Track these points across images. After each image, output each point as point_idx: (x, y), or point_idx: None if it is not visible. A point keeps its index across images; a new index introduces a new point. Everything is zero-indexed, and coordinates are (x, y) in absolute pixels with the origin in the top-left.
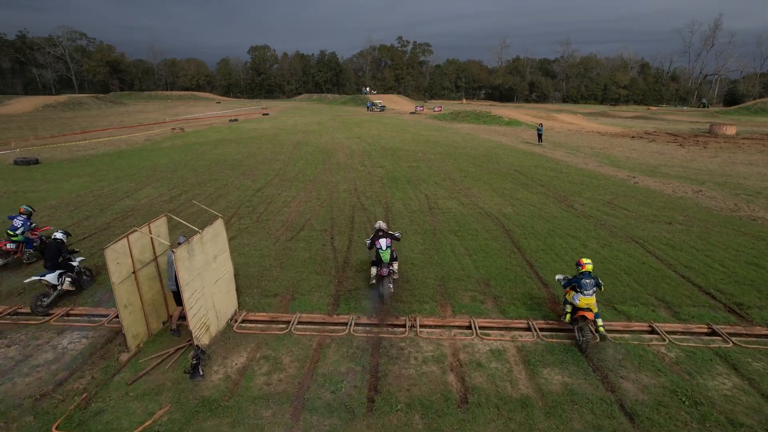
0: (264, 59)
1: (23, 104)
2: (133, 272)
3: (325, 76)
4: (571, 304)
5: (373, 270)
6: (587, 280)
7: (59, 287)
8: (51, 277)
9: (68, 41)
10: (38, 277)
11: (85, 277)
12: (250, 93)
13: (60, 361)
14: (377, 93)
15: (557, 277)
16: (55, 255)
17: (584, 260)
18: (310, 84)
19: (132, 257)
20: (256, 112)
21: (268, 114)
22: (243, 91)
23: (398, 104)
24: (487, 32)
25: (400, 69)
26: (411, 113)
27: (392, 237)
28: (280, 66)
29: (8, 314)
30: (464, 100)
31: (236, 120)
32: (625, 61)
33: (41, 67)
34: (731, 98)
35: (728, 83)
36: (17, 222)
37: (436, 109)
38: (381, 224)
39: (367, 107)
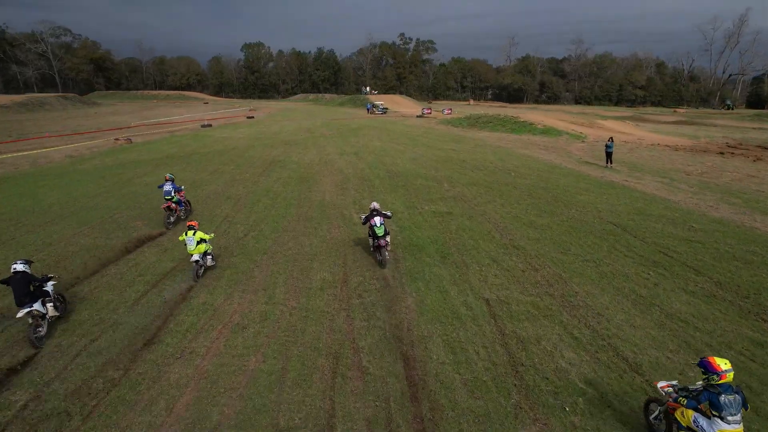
0: (258, 57)
1: None
2: None
3: (323, 75)
4: None
5: (371, 240)
6: (730, 397)
7: (47, 315)
8: (38, 306)
9: (52, 37)
10: (27, 309)
11: (58, 303)
12: (243, 93)
13: None
14: (378, 93)
15: (660, 386)
16: (24, 287)
17: (720, 362)
18: (306, 83)
19: None
20: (241, 114)
21: (253, 117)
22: (236, 91)
23: (401, 105)
24: (488, 32)
25: (402, 68)
26: (418, 117)
27: (385, 216)
28: (275, 64)
29: None
30: (471, 101)
31: (210, 125)
32: (640, 61)
33: (22, 65)
34: (756, 99)
35: (749, 83)
36: (167, 187)
37: (446, 111)
38: (375, 205)
39: (367, 109)
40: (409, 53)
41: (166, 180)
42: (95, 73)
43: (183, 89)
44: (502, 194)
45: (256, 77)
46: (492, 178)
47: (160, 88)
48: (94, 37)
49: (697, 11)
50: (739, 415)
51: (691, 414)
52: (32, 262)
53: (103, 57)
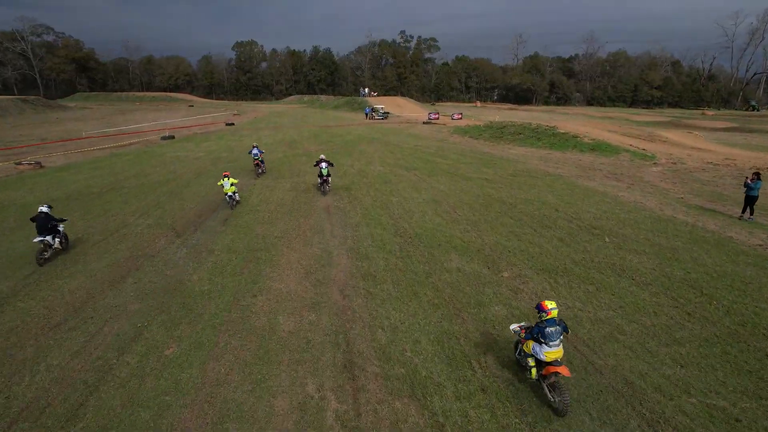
0: (250, 56)
1: None
2: None
3: (319, 75)
4: (533, 356)
5: (319, 180)
6: (552, 329)
7: (53, 245)
8: (50, 239)
9: (33, 35)
10: (41, 239)
11: (63, 241)
12: (234, 94)
13: None
14: (378, 95)
15: (512, 327)
16: (44, 224)
17: (548, 303)
18: (302, 84)
19: None
20: (222, 120)
21: (233, 124)
22: (227, 92)
23: (404, 109)
24: (490, 32)
25: (403, 67)
26: (424, 123)
27: (329, 163)
28: (268, 64)
29: None
30: (478, 103)
31: (171, 137)
32: (655, 59)
33: (0, 65)
34: None
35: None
36: (255, 151)
37: (456, 116)
38: (323, 156)
39: (366, 113)
40: (410, 52)
41: (254, 146)
42: (78, 74)
43: (171, 90)
44: (632, 308)
45: (248, 78)
46: (578, 251)
47: (147, 89)
48: (88, 40)
49: (700, 8)
50: (559, 340)
51: (531, 344)
52: (52, 207)
53: (87, 56)
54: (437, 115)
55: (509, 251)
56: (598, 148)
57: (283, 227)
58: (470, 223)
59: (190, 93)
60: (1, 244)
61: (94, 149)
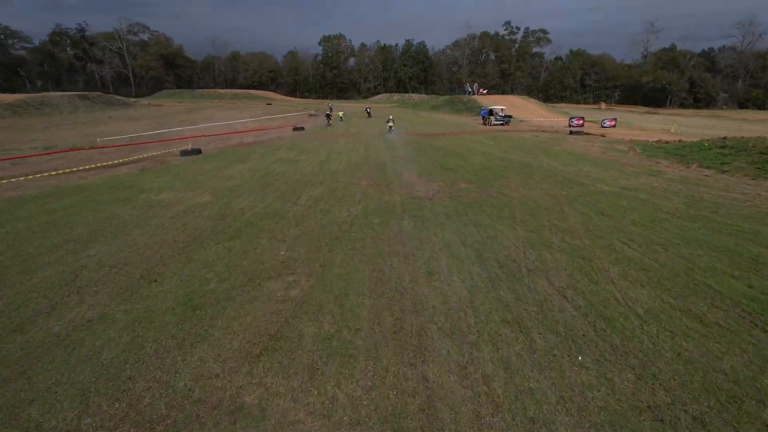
0: (337, 51)
1: None
2: None
3: (411, 72)
4: (388, 127)
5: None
6: (391, 120)
7: (330, 121)
8: (326, 120)
9: (129, 34)
10: (327, 119)
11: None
12: (319, 91)
13: None
14: (488, 93)
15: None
16: (327, 116)
17: (390, 116)
18: (391, 81)
19: None
20: (292, 122)
21: (303, 129)
22: (312, 90)
23: (524, 110)
24: (600, 27)
25: (507, 62)
26: (572, 133)
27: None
28: (356, 60)
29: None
30: (602, 104)
31: (198, 152)
32: None
33: (99, 63)
34: None
35: None
36: (390, 123)
37: (608, 123)
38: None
39: (482, 116)
40: (516, 45)
41: (389, 119)
42: (166, 71)
43: (254, 88)
44: None
45: (334, 74)
46: None
47: (231, 87)
48: (183, 40)
49: None
50: (392, 123)
51: (386, 123)
52: (331, 112)
53: (175, 53)
54: (582, 121)
55: None
56: None
57: None
58: None
59: (274, 90)
60: None
61: (60, 173)
